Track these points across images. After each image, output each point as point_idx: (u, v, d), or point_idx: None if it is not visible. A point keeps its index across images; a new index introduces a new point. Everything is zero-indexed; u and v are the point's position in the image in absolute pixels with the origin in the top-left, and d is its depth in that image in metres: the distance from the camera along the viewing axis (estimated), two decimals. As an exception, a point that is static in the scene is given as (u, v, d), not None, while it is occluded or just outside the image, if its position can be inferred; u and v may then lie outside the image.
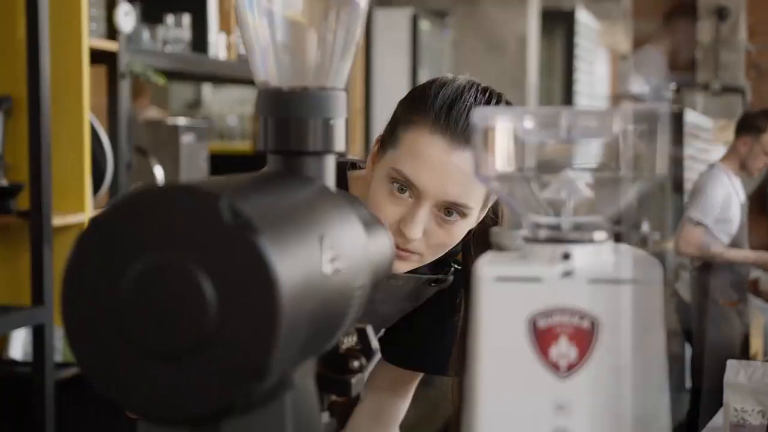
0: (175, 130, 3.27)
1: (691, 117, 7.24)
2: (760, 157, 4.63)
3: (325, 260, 0.68)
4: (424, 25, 5.49)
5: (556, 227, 0.71)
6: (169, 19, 3.21)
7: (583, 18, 7.50)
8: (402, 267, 1.32)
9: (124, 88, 2.89)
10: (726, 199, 4.61)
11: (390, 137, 1.32)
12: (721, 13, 9.15)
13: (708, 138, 7.84)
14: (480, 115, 0.71)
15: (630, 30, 9.37)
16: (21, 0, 2.54)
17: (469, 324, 0.71)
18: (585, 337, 0.68)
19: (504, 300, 0.69)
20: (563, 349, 0.68)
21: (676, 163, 7.02)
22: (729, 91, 8.58)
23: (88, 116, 2.70)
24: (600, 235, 0.71)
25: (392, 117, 1.35)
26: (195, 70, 3.43)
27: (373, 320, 1.33)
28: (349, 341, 0.89)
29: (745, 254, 4.79)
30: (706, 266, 4.63)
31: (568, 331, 0.68)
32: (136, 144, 3.18)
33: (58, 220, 2.58)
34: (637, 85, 4.53)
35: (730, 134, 8.43)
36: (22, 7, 2.53)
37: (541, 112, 0.71)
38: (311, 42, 0.80)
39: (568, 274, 0.68)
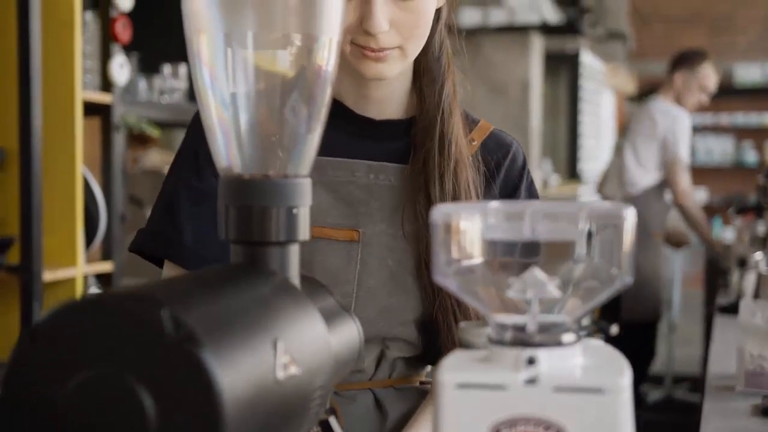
0: (171, 179, 3.24)
1: (586, 58, 7.24)
2: (695, 93, 4.74)
3: (279, 366, 0.65)
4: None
5: (521, 328, 0.68)
6: (166, 69, 3.20)
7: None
8: (387, 69, 1.24)
9: (118, 139, 2.87)
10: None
11: None
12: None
13: (599, 80, 7.88)
14: (441, 211, 0.69)
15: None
16: (14, 51, 2.53)
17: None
18: (550, 448, 0.65)
19: (466, 408, 0.66)
20: (528, 461, 0.65)
21: (573, 104, 7.14)
22: (612, 37, 8.61)
23: (80, 169, 2.67)
24: (568, 337, 0.68)
25: None
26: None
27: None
28: (315, 435, 0.85)
29: (715, 239, 4.84)
30: (640, 196, 4.62)
31: (533, 442, 0.65)
32: (132, 194, 3.16)
33: (49, 275, 2.55)
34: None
35: (619, 78, 8.46)
36: (15, 58, 2.52)
37: (505, 208, 0.68)
38: (274, 127, 0.77)
39: (532, 381, 0.65)
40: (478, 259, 0.69)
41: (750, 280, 2.74)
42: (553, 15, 6.11)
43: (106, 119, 2.84)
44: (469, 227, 0.68)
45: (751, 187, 6.24)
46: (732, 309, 2.85)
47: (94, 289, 2.95)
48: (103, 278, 2.87)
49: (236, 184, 0.75)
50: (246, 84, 0.76)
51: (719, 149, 10.12)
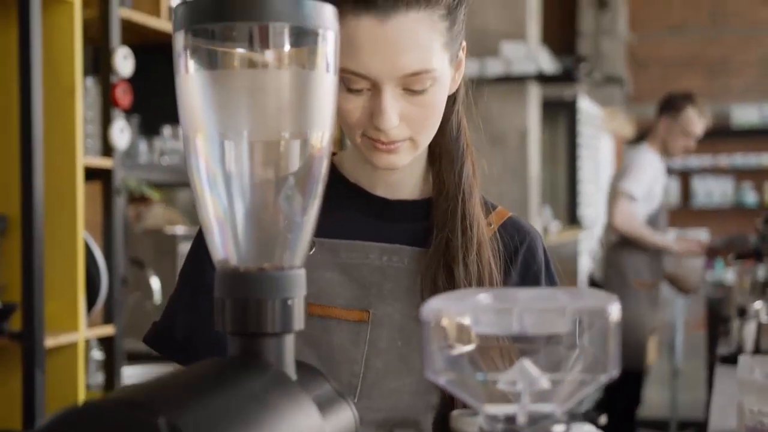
0: (173, 239, 3.27)
1: (583, 104, 7.27)
2: (679, 138, 4.74)
3: (274, 464, 0.66)
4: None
5: (512, 419, 0.70)
6: (166, 130, 3.24)
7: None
8: (398, 160, 1.24)
9: (119, 203, 2.89)
10: (654, 176, 4.66)
11: None
12: (601, 2, 9.20)
13: (598, 125, 7.90)
14: (431, 307, 0.70)
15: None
16: (16, 118, 2.56)
17: None
18: None
19: (459, 501, 0.67)
20: None
21: (572, 149, 7.16)
22: (609, 81, 8.63)
23: (82, 234, 2.69)
24: (558, 428, 0.69)
25: None
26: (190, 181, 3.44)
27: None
28: None
29: (668, 242, 4.79)
30: (621, 243, 4.60)
31: None
32: (134, 255, 3.18)
33: (51, 341, 2.56)
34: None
35: (617, 122, 8.51)
36: (17, 125, 2.55)
37: (494, 306, 0.70)
38: (270, 219, 0.79)
39: (523, 475, 0.66)
40: (468, 352, 0.71)
41: (750, 330, 2.74)
42: (549, 64, 6.16)
43: (107, 183, 2.86)
44: (459, 323, 0.70)
45: (751, 228, 6.25)
46: (732, 359, 2.85)
47: (96, 353, 2.96)
48: (105, 342, 2.88)
49: (232, 277, 0.77)
50: (241, 179, 0.77)
51: (719, 191, 10.16)
